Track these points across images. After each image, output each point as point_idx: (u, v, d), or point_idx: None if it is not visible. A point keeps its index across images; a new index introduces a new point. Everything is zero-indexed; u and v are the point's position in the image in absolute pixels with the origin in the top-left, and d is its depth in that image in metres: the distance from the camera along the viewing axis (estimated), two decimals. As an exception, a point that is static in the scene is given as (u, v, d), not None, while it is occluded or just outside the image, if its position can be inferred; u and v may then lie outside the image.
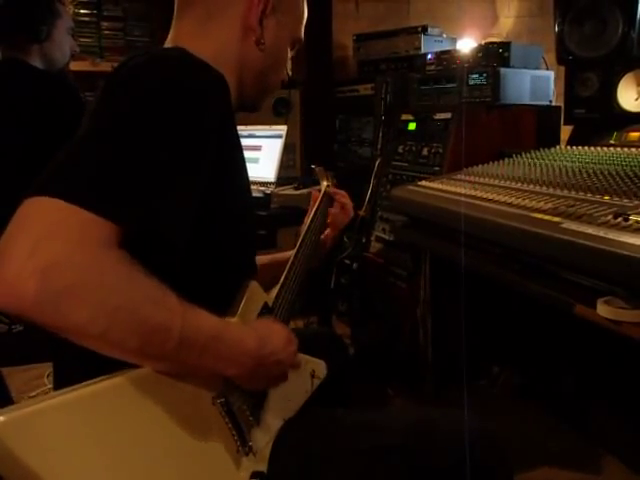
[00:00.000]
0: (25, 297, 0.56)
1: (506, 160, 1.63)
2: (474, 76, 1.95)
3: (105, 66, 2.92)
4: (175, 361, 0.68)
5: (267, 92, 1.01)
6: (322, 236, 1.27)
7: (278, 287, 1.01)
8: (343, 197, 1.32)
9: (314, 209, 1.23)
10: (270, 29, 0.91)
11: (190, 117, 0.72)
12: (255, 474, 0.80)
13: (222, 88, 0.81)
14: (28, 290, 0.56)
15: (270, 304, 0.94)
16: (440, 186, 1.50)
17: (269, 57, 0.93)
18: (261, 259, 1.11)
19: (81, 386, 0.65)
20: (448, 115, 1.94)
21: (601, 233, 0.95)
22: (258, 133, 2.54)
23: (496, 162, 1.64)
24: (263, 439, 0.85)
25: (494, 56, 1.97)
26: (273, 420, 0.88)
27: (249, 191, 0.95)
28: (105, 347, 0.62)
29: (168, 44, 0.90)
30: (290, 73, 1.02)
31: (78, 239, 0.59)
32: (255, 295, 0.89)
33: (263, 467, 0.83)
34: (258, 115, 1.13)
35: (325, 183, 1.34)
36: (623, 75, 1.62)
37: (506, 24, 2.66)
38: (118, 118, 0.69)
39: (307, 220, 1.20)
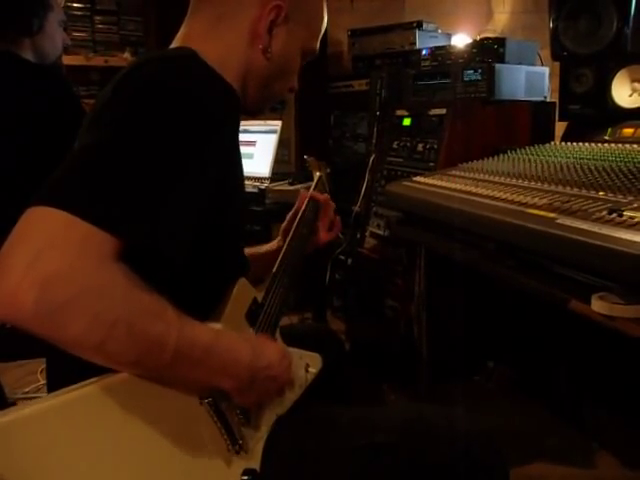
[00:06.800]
0: (23, 309, 0.56)
1: (501, 156, 1.63)
2: (469, 72, 1.95)
3: (98, 60, 2.91)
4: (170, 373, 0.69)
5: (271, 99, 0.99)
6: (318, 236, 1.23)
7: (268, 282, 1.00)
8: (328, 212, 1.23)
9: (306, 200, 1.23)
10: (279, 38, 0.89)
11: (201, 135, 0.72)
12: (247, 472, 0.79)
13: (235, 104, 0.81)
14: (26, 302, 0.55)
15: (259, 300, 0.93)
16: (435, 182, 1.50)
17: (275, 66, 0.91)
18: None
19: (65, 391, 0.65)
20: (443, 111, 1.93)
21: (595, 229, 0.95)
22: (252, 128, 2.54)
23: (491, 158, 1.63)
24: (254, 437, 0.84)
25: (489, 52, 1.97)
26: (265, 417, 0.87)
27: (243, 190, 0.95)
28: (102, 359, 0.63)
29: (178, 41, 0.89)
30: (297, 85, 1.00)
31: (78, 252, 0.59)
32: (243, 291, 0.88)
33: (255, 465, 0.82)
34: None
35: (318, 173, 1.34)
36: (617, 71, 1.62)
37: (501, 20, 2.65)
38: (127, 130, 0.68)
39: (299, 211, 1.19)
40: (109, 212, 0.62)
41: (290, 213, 1.21)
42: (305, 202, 1.19)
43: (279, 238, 1.20)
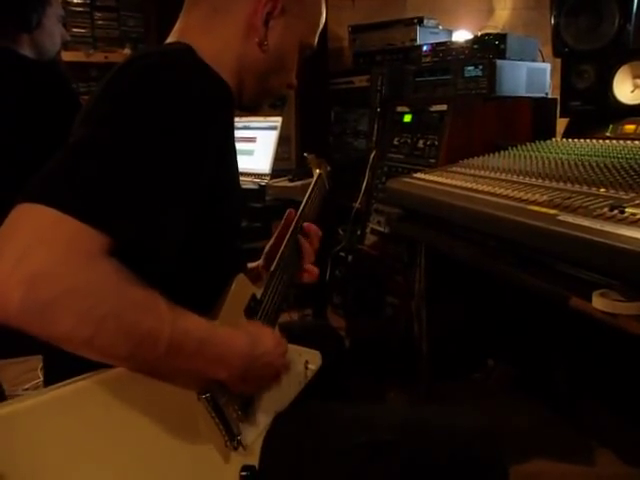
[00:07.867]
0: (10, 306, 0.55)
1: (502, 152, 1.63)
2: (470, 68, 1.94)
3: (98, 57, 2.89)
4: (165, 366, 0.68)
5: (268, 95, 0.98)
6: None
7: (267, 278, 1.00)
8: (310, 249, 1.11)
9: (307, 195, 1.22)
10: (276, 31, 0.88)
11: (194, 132, 0.71)
12: (245, 468, 0.79)
13: (229, 101, 0.80)
14: (14, 299, 0.55)
15: (258, 296, 0.93)
16: (436, 178, 1.49)
17: (272, 59, 0.90)
18: None
19: (60, 385, 0.64)
20: (444, 107, 1.93)
21: (597, 225, 0.94)
22: (253, 125, 2.53)
23: (492, 154, 1.63)
24: (253, 433, 0.84)
25: (490, 48, 1.96)
26: (264, 413, 0.87)
27: (239, 187, 0.94)
28: (93, 354, 0.63)
29: (174, 36, 0.88)
30: (295, 80, 0.98)
31: (66, 249, 0.59)
32: (242, 287, 0.88)
33: (254, 461, 0.82)
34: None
35: (318, 171, 1.33)
36: (619, 67, 1.62)
37: (502, 16, 2.64)
38: (117, 127, 0.67)
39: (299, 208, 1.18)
40: (98, 209, 0.61)
41: (275, 235, 1.14)
42: (310, 188, 1.17)
43: (261, 261, 1.13)
